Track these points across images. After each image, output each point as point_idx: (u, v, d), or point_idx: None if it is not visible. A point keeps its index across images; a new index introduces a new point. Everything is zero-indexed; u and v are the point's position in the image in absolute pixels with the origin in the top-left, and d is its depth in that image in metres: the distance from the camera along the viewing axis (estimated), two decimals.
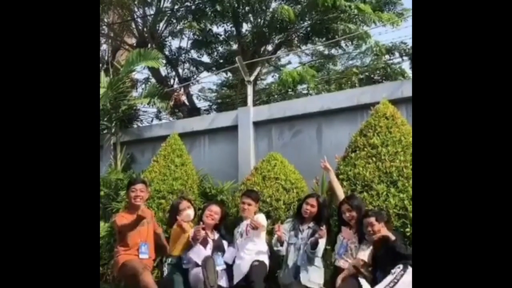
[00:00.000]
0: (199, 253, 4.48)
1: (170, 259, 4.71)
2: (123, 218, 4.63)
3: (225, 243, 4.74)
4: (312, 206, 4.49)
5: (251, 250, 4.53)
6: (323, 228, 4.21)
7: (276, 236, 4.43)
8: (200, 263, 4.40)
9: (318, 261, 4.34)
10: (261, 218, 4.68)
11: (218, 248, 4.63)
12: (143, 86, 12.79)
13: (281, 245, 4.44)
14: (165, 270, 4.70)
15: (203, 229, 4.55)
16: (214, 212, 4.77)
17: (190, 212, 4.76)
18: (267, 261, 4.52)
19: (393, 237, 3.98)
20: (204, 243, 4.55)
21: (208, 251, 4.55)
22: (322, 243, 4.29)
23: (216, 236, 4.74)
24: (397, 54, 12.67)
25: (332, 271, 4.34)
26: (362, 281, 4.06)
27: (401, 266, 3.81)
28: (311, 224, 4.48)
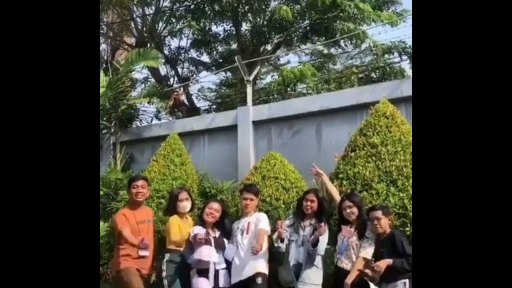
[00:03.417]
0: (209, 253, 4.50)
1: (168, 255, 4.68)
2: (125, 222, 4.61)
3: (225, 240, 4.74)
4: (312, 202, 4.49)
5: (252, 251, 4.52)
6: (323, 224, 4.21)
7: (277, 233, 4.42)
8: (213, 261, 4.46)
9: (318, 261, 4.33)
10: (263, 219, 4.66)
11: (219, 246, 4.63)
12: (143, 85, 12.80)
13: (282, 242, 4.43)
14: (163, 267, 4.66)
15: (207, 233, 4.58)
16: (214, 209, 4.77)
17: (186, 204, 4.80)
18: (266, 269, 4.50)
19: (399, 235, 3.98)
20: (207, 242, 4.55)
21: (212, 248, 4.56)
22: (323, 240, 4.28)
23: (217, 234, 4.74)
24: (396, 53, 12.67)
25: (333, 271, 4.33)
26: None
27: (406, 281, 3.79)
28: (313, 221, 4.48)
